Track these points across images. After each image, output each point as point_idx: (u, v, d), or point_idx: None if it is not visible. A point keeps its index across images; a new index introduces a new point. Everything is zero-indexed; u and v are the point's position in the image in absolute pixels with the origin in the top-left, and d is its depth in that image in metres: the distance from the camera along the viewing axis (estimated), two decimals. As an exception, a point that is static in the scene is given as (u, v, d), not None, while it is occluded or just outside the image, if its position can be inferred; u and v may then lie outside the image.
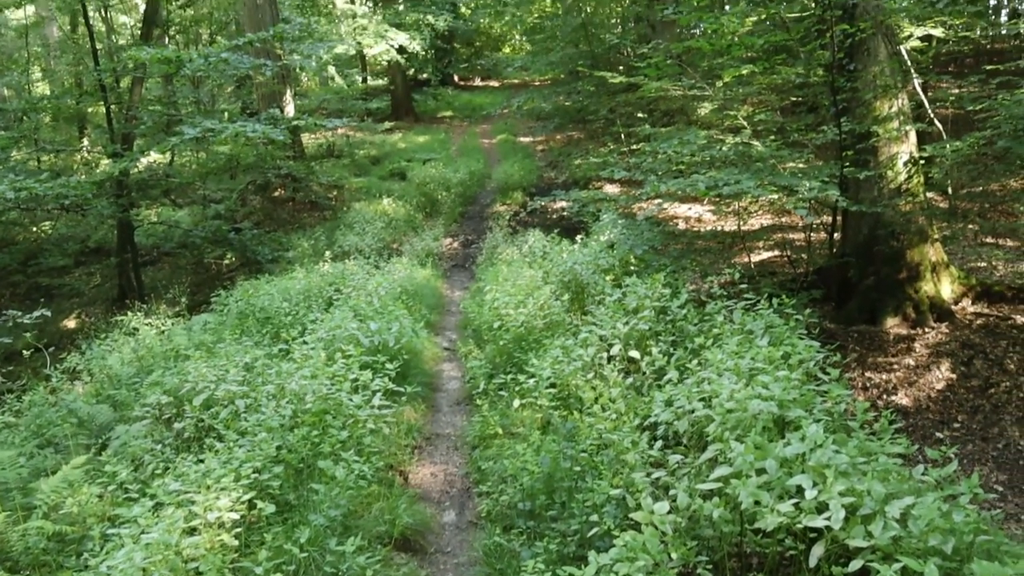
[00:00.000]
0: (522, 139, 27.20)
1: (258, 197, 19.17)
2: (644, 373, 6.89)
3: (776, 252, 13.61)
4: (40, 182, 10.84)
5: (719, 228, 16.04)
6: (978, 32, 20.35)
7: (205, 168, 18.34)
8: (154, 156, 22.45)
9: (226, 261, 15.28)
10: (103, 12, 20.95)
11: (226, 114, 17.92)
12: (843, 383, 5.56)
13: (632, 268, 10.20)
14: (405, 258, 13.89)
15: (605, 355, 6.97)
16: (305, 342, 8.12)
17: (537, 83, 35.58)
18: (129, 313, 11.44)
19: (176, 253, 16.30)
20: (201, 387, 6.91)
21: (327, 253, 13.23)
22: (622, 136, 20.14)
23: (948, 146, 9.82)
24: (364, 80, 33.15)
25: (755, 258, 13.69)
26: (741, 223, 12.12)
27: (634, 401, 6.44)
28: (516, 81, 38.76)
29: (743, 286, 9.02)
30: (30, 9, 27.56)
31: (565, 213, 18.59)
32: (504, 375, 7.84)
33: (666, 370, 6.65)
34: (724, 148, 10.68)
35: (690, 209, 17.88)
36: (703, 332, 7.24)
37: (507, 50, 41.30)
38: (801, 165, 11.51)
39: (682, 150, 10.63)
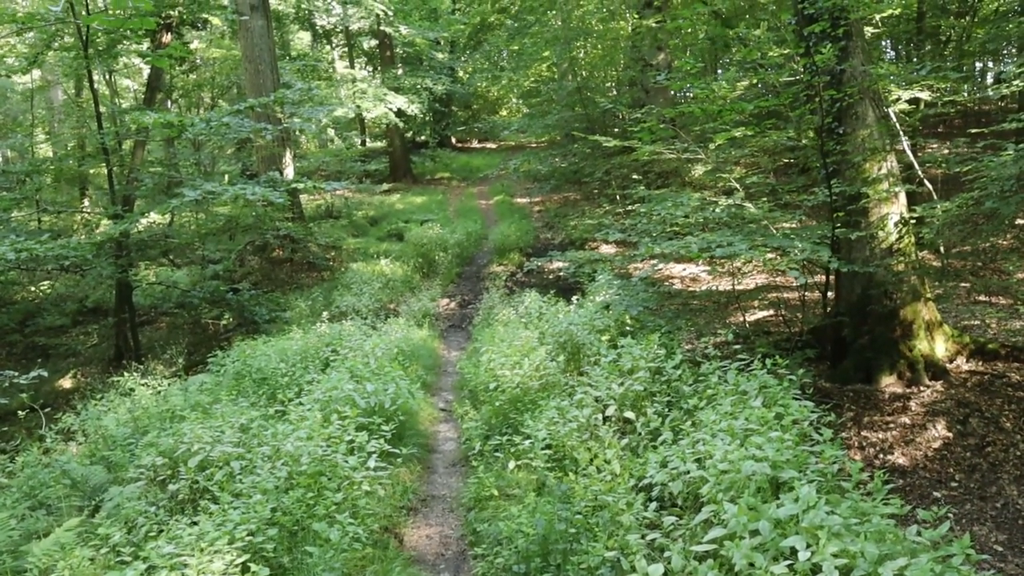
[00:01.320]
0: (519, 200, 27.46)
1: (256, 258, 19.28)
2: (639, 434, 6.89)
3: (770, 311, 13.68)
4: (41, 243, 10.91)
5: (714, 288, 16.13)
6: (964, 95, 20.75)
7: (204, 229, 18.45)
8: (154, 217, 22.70)
9: (223, 322, 15.33)
10: (107, 76, 21.30)
11: (226, 176, 18.11)
12: (837, 443, 5.57)
13: (628, 328, 10.25)
14: (402, 319, 13.94)
15: (600, 416, 6.98)
16: (301, 403, 8.12)
17: (533, 145, 36.08)
18: (125, 374, 11.43)
19: (174, 313, 16.34)
20: (196, 448, 6.89)
21: (324, 314, 13.28)
22: (617, 198, 20.36)
23: (939, 207, 9.94)
24: (363, 142, 33.62)
25: (750, 317, 13.75)
26: (735, 283, 12.20)
27: (629, 462, 6.43)
28: (512, 143, 39.29)
29: (737, 346, 9.07)
30: (36, 73, 28.10)
31: (561, 273, 18.69)
32: (500, 436, 7.83)
33: (661, 431, 6.66)
34: (717, 210, 10.81)
35: (684, 269, 17.99)
36: (698, 393, 7.26)
37: (504, 113, 41.93)
38: (793, 226, 11.65)
39: (676, 212, 10.76)
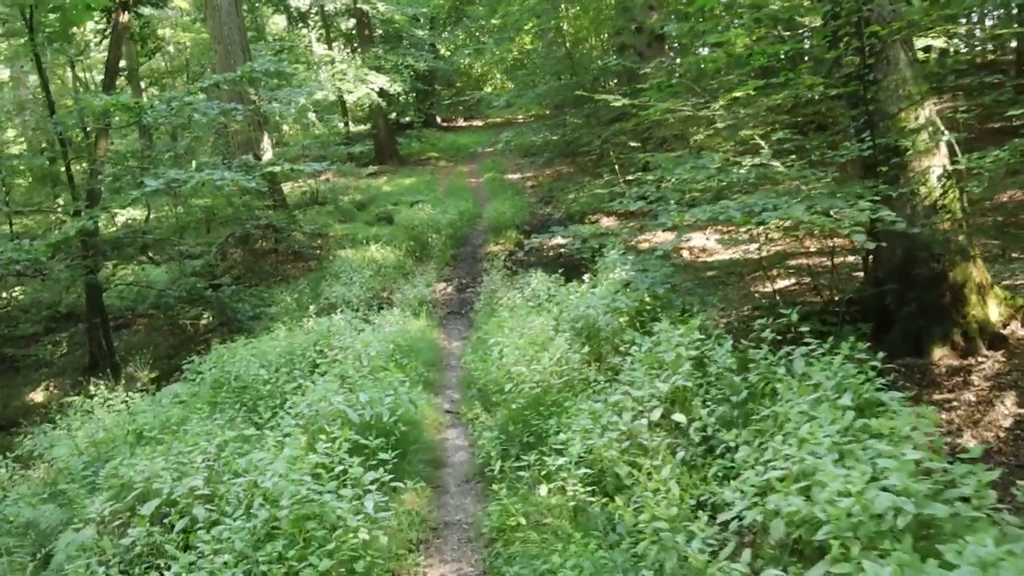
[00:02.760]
0: (510, 176, 26.05)
1: (239, 250, 17.85)
2: (693, 441, 5.56)
3: (792, 281, 12.42)
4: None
5: (730, 257, 14.86)
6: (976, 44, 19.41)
7: (180, 222, 17.01)
8: (134, 213, 21.20)
9: (203, 321, 13.92)
10: (71, 69, 19.73)
11: (194, 163, 16.63)
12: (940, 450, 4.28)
13: (647, 308, 8.91)
14: (396, 308, 12.56)
15: (644, 421, 5.63)
16: (284, 419, 6.78)
17: (521, 120, 34.57)
18: (97, 385, 10.04)
19: (152, 314, 14.92)
20: (155, 488, 5.55)
21: (311, 307, 11.89)
22: (616, 168, 18.96)
23: (989, 155, 8.64)
24: (346, 126, 32.05)
25: (771, 287, 12.50)
26: (760, 250, 10.85)
27: (686, 478, 5.11)
28: (499, 120, 37.79)
29: (777, 320, 7.76)
30: (5, 73, 26.51)
31: (563, 250, 17.35)
32: (522, 449, 6.51)
33: (719, 437, 5.35)
34: (741, 171, 9.45)
35: (689, 239, 16.64)
36: (752, 386, 5.94)
37: (489, 89, 40.36)
38: (819, 187, 10.28)
39: (695, 175, 9.41)
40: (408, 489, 6.39)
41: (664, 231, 11.58)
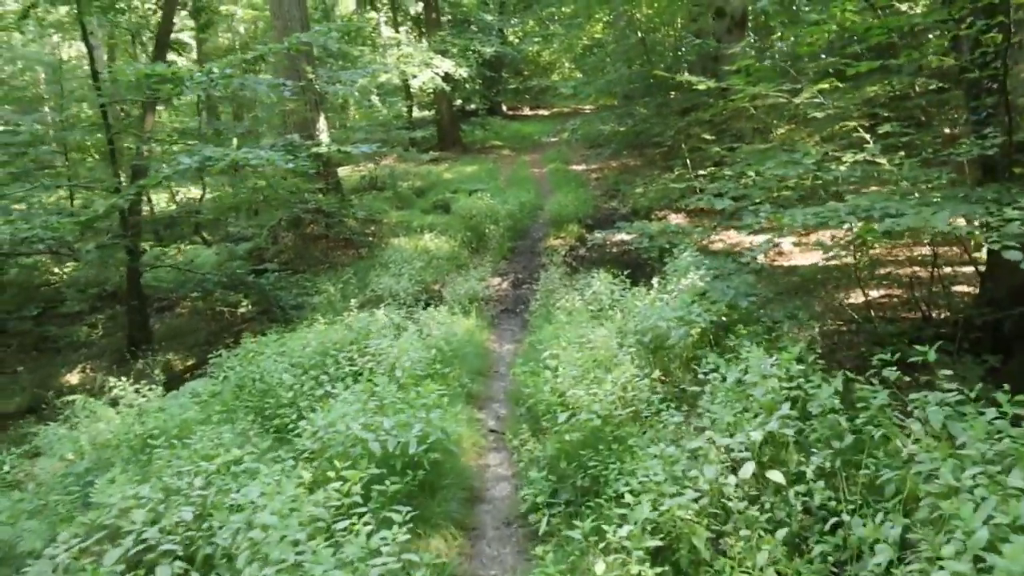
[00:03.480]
0: (574, 167, 24.72)
1: (290, 234, 16.91)
2: (793, 508, 4.28)
3: (882, 291, 11.00)
4: (9, 222, 8.61)
5: (813, 263, 13.43)
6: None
7: (228, 203, 16.13)
8: (195, 192, 20.48)
9: (241, 309, 12.98)
10: (132, 40, 18.99)
11: (235, 141, 15.72)
12: None
13: (725, 321, 7.59)
14: (444, 307, 11.40)
15: (732, 480, 4.37)
16: (296, 439, 5.67)
17: (588, 109, 33.15)
18: (111, 378, 9.10)
19: (196, 297, 14.02)
20: (126, 529, 4.48)
21: (353, 301, 10.80)
22: (687, 162, 17.54)
23: None
24: (409, 110, 31.04)
25: (856, 299, 11.09)
26: (858, 257, 9.40)
27: (787, 562, 3.85)
28: (566, 109, 36.42)
29: (877, 343, 6.38)
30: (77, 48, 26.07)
31: (628, 248, 16.04)
32: (575, 494, 5.29)
33: (830, 508, 4.08)
34: (842, 168, 8.05)
35: (753, 241, 15.16)
36: (861, 432, 4.63)
37: (556, 77, 39.00)
38: (935, 190, 8.85)
39: (786, 171, 8.06)
40: (435, 534, 5.23)
41: (749, 233, 10.23)
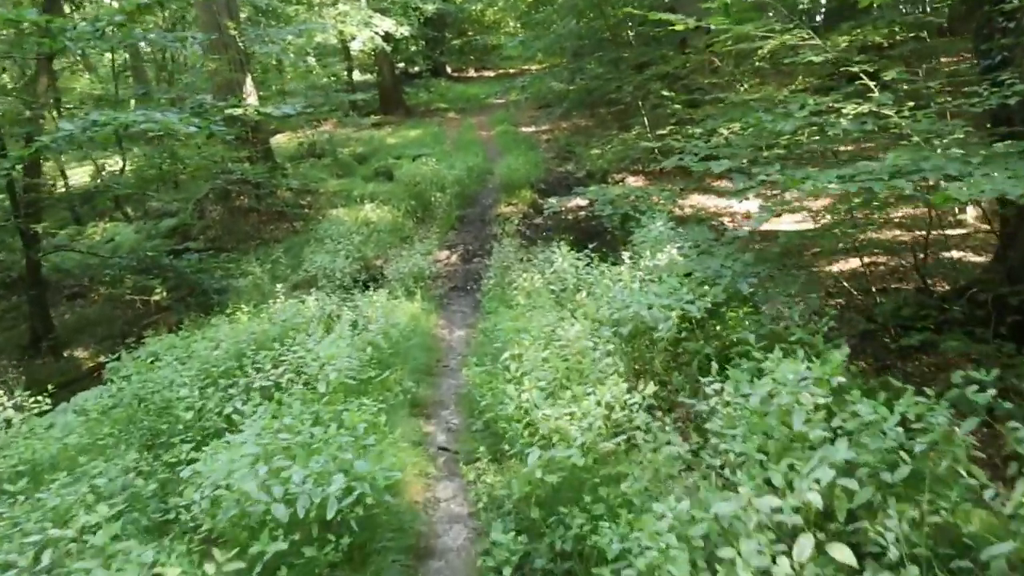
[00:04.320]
0: (524, 129, 23.12)
1: (218, 208, 15.11)
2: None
3: (867, 258, 9.84)
4: None
5: (787, 228, 12.20)
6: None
7: (143, 176, 14.29)
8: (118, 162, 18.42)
9: (156, 297, 11.24)
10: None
11: (132, 102, 13.85)
12: None
13: (712, 305, 6.20)
14: (386, 289, 9.84)
15: (786, 564, 2.97)
16: (186, 488, 4.14)
17: (535, 70, 31.45)
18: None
19: (110, 282, 12.21)
20: None
21: (280, 286, 9.17)
22: (646, 120, 16.10)
23: None
24: (349, 73, 29.03)
25: (836, 267, 9.92)
26: (861, 227, 8.06)
27: None
28: (512, 71, 34.61)
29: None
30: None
31: (588, 214, 14.63)
32: (554, 559, 3.86)
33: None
34: (843, 123, 6.68)
35: (729, 205, 13.88)
36: (920, 466, 3.30)
37: (501, 38, 37.14)
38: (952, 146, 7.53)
39: (781, 126, 6.66)
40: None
41: (731, 198, 8.88)
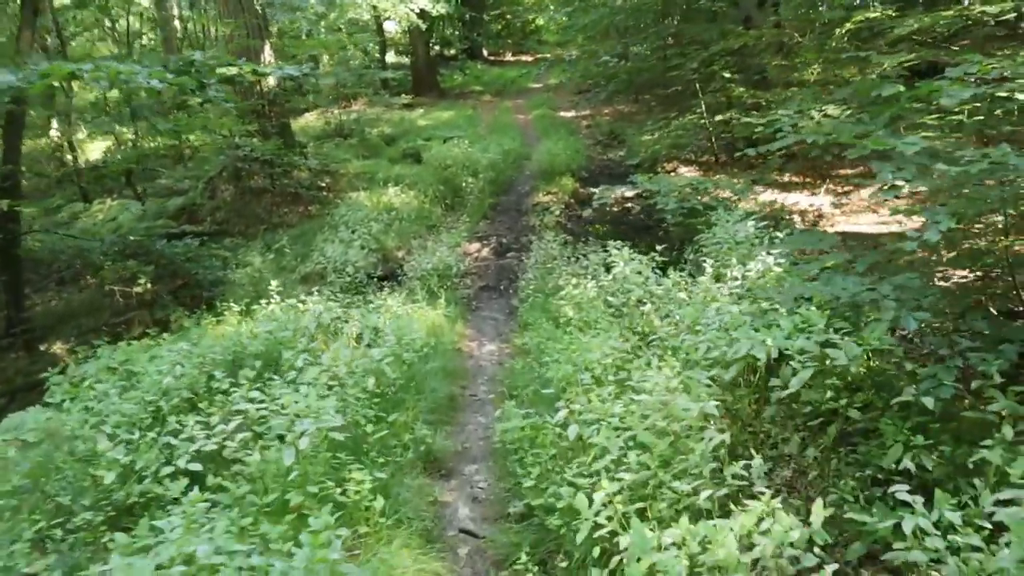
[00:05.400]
0: (563, 114, 21.13)
1: (230, 187, 13.32)
2: None
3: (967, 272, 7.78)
4: None
5: (871, 231, 10.26)
6: None
7: (141, 151, 12.56)
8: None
9: (137, 288, 9.42)
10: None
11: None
12: None
13: (835, 339, 4.23)
14: (404, 288, 7.98)
15: None
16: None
17: (574, 55, 29.39)
18: None
19: (93, 269, 10.43)
20: None
21: (274, 283, 7.28)
22: (703, 105, 14.07)
23: None
24: (382, 53, 27.12)
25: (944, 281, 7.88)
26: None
27: None
28: (550, 56, 32.52)
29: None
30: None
31: (631, 205, 12.71)
32: None
33: None
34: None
35: (798, 203, 11.85)
36: None
37: (541, 22, 35.08)
38: None
39: (949, 97, 4.67)
40: None
41: (877, 193, 6.90)
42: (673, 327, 5.02)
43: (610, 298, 6.41)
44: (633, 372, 4.30)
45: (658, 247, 7.14)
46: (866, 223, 11.32)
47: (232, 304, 7.51)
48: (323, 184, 13.75)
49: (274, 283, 7.14)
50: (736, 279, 5.91)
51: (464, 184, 13.68)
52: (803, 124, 8.06)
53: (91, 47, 19.32)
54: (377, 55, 26.96)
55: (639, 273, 6.31)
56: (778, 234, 6.46)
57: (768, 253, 6.07)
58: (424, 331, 6.67)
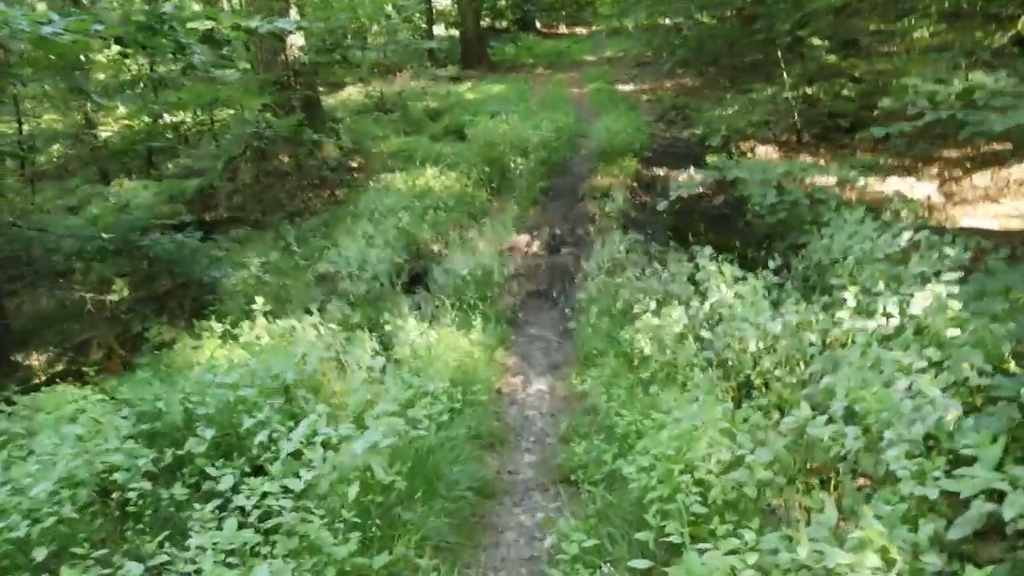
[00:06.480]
0: (621, 88, 18.96)
1: (251, 169, 11.59)
2: None
3: None
4: None
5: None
6: None
7: (144, 129, 10.90)
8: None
9: (112, 296, 7.64)
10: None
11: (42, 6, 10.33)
12: None
13: None
14: (434, 301, 6.15)
15: None
16: None
17: (631, 27, 27.05)
18: None
19: (64, 271, 8.61)
20: None
21: (258, 302, 5.46)
22: (785, 76, 11.88)
23: None
24: (429, 24, 25.20)
25: None
26: None
27: None
28: (605, 27, 30.20)
29: None
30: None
31: (702, 190, 10.65)
32: None
33: None
34: None
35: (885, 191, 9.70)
36: None
37: (596, -6, 32.70)
38: None
39: None
40: None
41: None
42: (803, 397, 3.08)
43: (704, 333, 4.46)
44: (772, 490, 2.42)
45: (749, 251, 5.17)
46: (985, 216, 9.15)
47: (213, 323, 5.75)
48: (354, 164, 11.93)
49: (258, 302, 5.34)
50: (892, 316, 3.94)
51: (512, 165, 11.75)
52: (942, 94, 6.10)
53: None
54: (424, 25, 25.06)
55: (750, 303, 4.34)
56: (948, 250, 4.42)
57: (934, 278, 4.08)
58: (450, 372, 4.81)
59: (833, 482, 2.80)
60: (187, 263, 7.35)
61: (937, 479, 2.36)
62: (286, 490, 3.03)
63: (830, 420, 3.06)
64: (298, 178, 11.11)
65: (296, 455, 3.34)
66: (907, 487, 2.35)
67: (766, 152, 12.03)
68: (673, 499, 2.75)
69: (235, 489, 3.33)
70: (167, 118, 13.88)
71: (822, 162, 10.63)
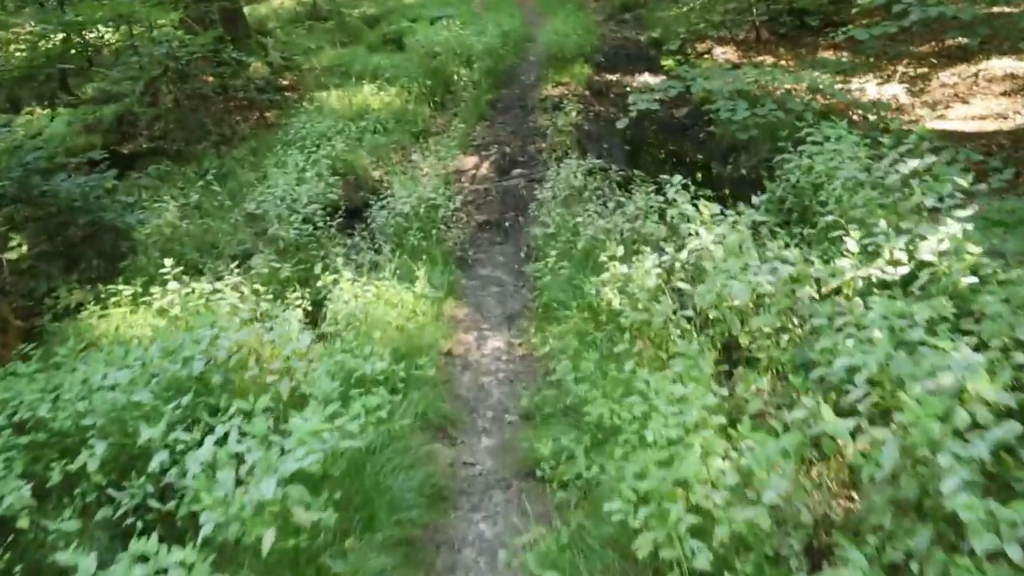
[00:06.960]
0: (568, -14, 17.71)
1: (175, 91, 10.41)
2: None
3: None
4: None
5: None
6: None
7: (47, 50, 9.64)
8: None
9: (9, 254, 6.64)
10: None
11: None
12: None
13: None
14: (370, 243, 5.40)
15: None
16: None
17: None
18: None
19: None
20: None
21: (167, 265, 4.63)
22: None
23: None
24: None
25: None
26: None
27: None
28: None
29: None
30: None
31: (659, 97, 9.83)
32: None
33: None
34: None
35: (873, 91, 9.08)
36: None
37: None
38: None
39: None
40: None
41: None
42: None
43: (681, 284, 3.82)
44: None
45: (713, 166, 4.48)
46: (958, 117, 8.54)
47: (124, 287, 4.95)
48: (286, 82, 10.82)
49: (167, 263, 4.53)
50: (902, 264, 3.33)
51: (456, 76, 10.77)
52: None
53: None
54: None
55: (735, 246, 3.68)
56: (961, 181, 3.77)
57: (948, 215, 3.45)
58: (392, 341, 4.12)
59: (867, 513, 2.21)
60: (98, 209, 6.43)
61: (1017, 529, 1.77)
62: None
63: (850, 413, 2.47)
64: (224, 101, 10.02)
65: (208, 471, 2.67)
66: (980, 542, 1.76)
67: (724, 54, 11.21)
68: (670, 544, 2.15)
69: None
70: (85, 35, 12.47)
71: (784, 63, 9.87)
